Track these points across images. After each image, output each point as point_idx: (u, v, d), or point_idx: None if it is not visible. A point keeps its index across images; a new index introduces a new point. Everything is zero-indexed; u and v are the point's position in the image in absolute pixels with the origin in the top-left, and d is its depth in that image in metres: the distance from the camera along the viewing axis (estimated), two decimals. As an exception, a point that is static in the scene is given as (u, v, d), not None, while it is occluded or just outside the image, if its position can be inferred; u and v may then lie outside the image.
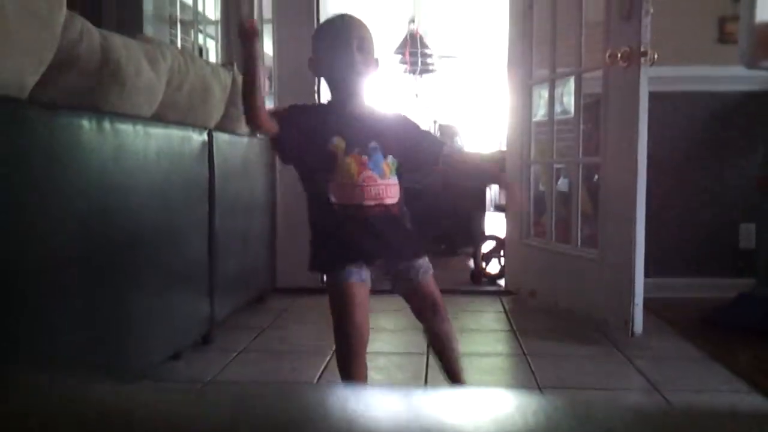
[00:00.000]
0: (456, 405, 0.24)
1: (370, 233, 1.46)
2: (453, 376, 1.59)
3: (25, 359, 1.30)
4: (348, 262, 1.45)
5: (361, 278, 1.47)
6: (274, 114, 1.48)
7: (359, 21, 1.51)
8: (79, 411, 0.25)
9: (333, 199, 1.45)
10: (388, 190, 1.48)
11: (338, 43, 1.46)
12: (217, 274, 2.34)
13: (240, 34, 1.35)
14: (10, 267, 1.26)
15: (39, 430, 0.24)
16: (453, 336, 1.59)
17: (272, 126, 1.44)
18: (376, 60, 1.52)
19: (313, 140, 1.45)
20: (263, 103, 1.41)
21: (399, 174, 1.52)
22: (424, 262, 1.55)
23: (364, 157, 1.45)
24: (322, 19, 3.36)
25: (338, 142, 1.45)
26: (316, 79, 3.34)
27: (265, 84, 1.45)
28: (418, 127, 1.64)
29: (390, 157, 1.50)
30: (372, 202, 1.45)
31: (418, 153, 1.58)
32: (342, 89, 1.52)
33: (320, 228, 1.51)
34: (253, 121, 1.39)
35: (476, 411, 0.23)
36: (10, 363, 1.26)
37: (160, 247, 1.92)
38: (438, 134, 5.76)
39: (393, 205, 1.49)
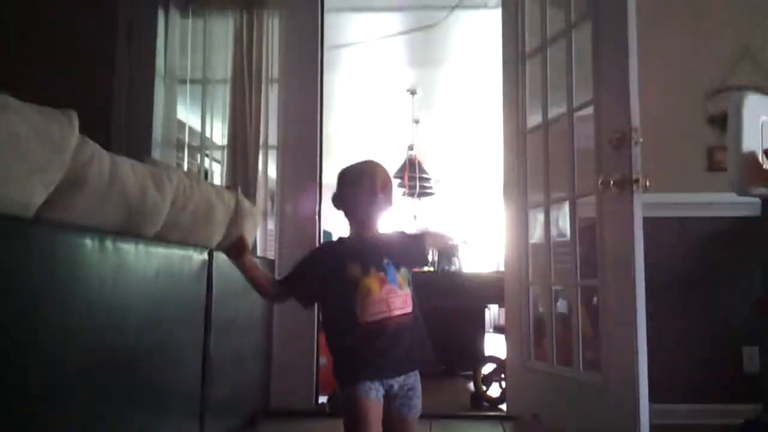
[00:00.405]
0: None
1: (400, 343, 1.58)
2: None
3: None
4: (370, 376, 1.56)
5: (378, 397, 1.56)
6: (288, 278, 1.76)
7: (382, 166, 1.74)
8: None
9: (361, 319, 1.57)
10: (407, 299, 1.63)
11: (366, 185, 1.69)
12: (209, 397, 2.26)
13: (231, 253, 1.71)
14: (5, 389, 1.22)
15: None
16: None
17: (286, 295, 1.75)
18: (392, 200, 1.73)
19: (333, 277, 1.63)
20: (269, 286, 1.79)
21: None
22: (419, 404, 1.64)
23: (382, 273, 1.61)
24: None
25: (355, 269, 1.61)
26: (318, 202, 3.42)
27: (260, 277, 1.82)
28: (404, 233, 1.81)
29: (402, 269, 1.66)
30: (398, 312, 1.60)
31: (411, 255, 1.75)
32: (364, 223, 1.72)
33: (346, 346, 1.62)
34: (269, 301, 1.52)
35: None
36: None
37: (154, 368, 1.87)
38: (436, 256, 5.79)
39: (412, 312, 1.63)
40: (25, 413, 1.30)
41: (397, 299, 1.60)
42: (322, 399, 3.40)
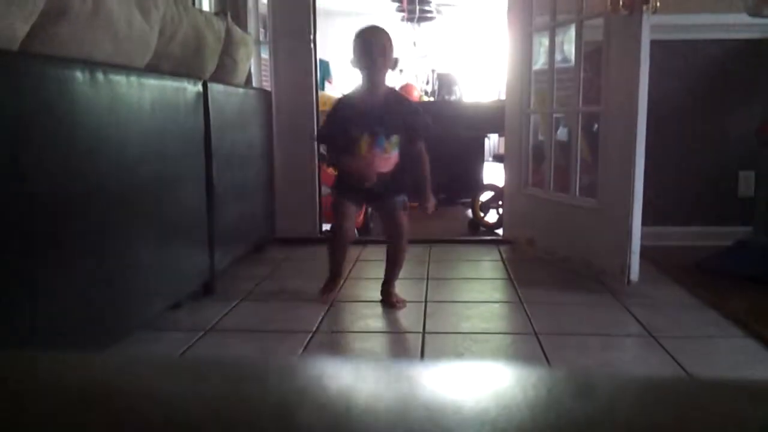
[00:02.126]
0: (455, 379, 0.24)
1: (376, 187, 2.16)
2: (384, 283, 2.29)
3: (23, 313, 1.32)
4: (351, 196, 2.24)
5: (356, 203, 2.32)
6: (319, 136, 2.55)
7: (382, 33, 2.15)
8: (62, 386, 0.26)
9: (351, 165, 2.17)
10: (389, 161, 2.17)
11: (365, 50, 2.11)
12: (216, 225, 2.34)
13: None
14: (4, 222, 1.25)
15: (17, 406, 0.24)
16: (401, 259, 2.29)
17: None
18: (395, 60, 2.17)
19: (341, 132, 2.16)
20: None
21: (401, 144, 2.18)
22: (402, 198, 2.23)
23: (372, 138, 2.12)
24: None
25: (355, 130, 2.12)
26: (312, 27, 3.28)
27: None
28: (410, 107, 2.24)
29: (393, 137, 2.15)
30: (379, 170, 2.14)
31: (407, 131, 2.18)
32: (369, 81, 2.16)
33: (344, 174, 2.25)
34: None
35: (476, 384, 0.24)
36: (7, 319, 1.27)
37: (158, 199, 1.92)
38: (436, 84, 5.68)
39: (389, 171, 2.18)
40: (26, 250, 1.35)
41: (379, 160, 2.13)
42: (326, 227, 3.52)
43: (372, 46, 2.09)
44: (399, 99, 2.24)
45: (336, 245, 2.34)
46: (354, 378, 0.24)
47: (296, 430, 0.22)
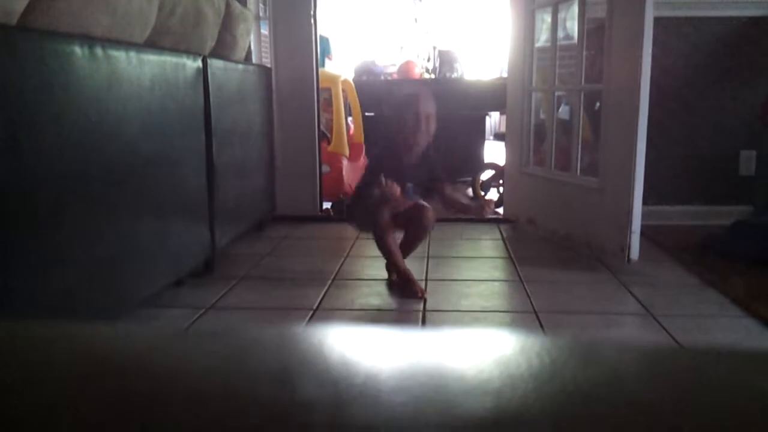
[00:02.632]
0: (458, 347, 0.24)
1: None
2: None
3: (22, 290, 1.32)
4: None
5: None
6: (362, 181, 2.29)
7: (425, 102, 2.17)
8: (62, 358, 0.25)
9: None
10: (415, 203, 2.23)
11: (408, 117, 2.13)
12: (217, 202, 2.34)
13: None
14: (3, 198, 1.25)
15: (24, 376, 0.24)
16: (416, 246, 2.33)
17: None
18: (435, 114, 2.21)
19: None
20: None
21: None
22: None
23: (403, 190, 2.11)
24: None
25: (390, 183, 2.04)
26: (312, 2, 3.25)
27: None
28: (438, 171, 2.29)
29: (419, 196, 2.25)
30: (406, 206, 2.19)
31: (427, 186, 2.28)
32: (404, 149, 2.18)
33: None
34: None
35: (478, 353, 0.23)
36: (8, 293, 1.28)
37: (158, 176, 1.91)
38: (438, 61, 5.64)
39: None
40: (26, 226, 1.34)
41: (407, 203, 2.18)
42: (326, 205, 3.52)
43: (417, 115, 2.12)
44: (431, 167, 2.26)
45: (388, 243, 2.19)
46: (355, 347, 0.24)
47: (297, 400, 0.21)
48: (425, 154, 2.22)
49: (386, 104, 2.23)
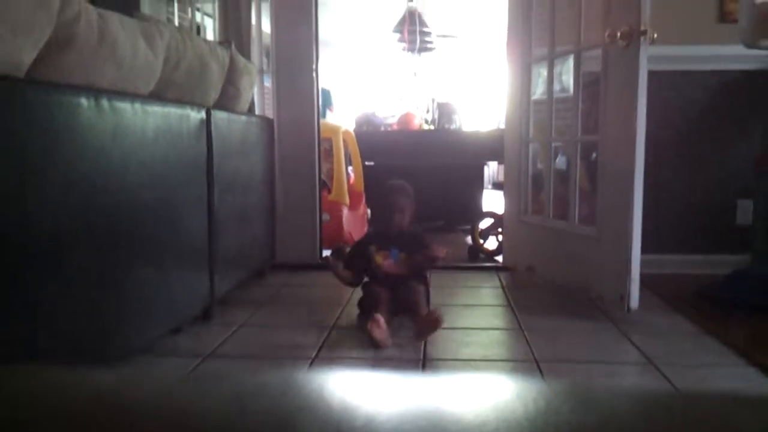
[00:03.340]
0: (456, 391, 0.25)
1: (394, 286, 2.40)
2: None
3: (25, 339, 1.32)
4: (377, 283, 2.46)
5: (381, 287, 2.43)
6: (350, 259, 2.56)
7: (401, 191, 2.53)
8: (70, 402, 0.26)
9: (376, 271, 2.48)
10: (400, 267, 2.45)
11: (387, 207, 2.50)
12: (217, 251, 2.35)
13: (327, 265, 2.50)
14: (9, 246, 1.26)
15: (33, 419, 0.24)
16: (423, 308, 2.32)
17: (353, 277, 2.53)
18: (412, 204, 2.53)
19: (364, 254, 2.49)
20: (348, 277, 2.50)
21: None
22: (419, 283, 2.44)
23: (386, 253, 2.46)
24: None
25: (374, 249, 2.47)
26: (315, 57, 3.32)
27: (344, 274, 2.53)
28: (419, 237, 2.54)
29: (402, 254, 2.46)
30: (393, 272, 2.44)
31: (412, 252, 2.48)
32: (386, 226, 2.52)
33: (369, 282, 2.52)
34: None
35: (476, 397, 0.24)
36: (10, 341, 1.27)
37: (160, 225, 1.92)
38: (437, 113, 5.73)
39: (405, 273, 2.45)
40: (29, 273, 1.35)
41: (391, 266, 2.44)
42: (326, 253, 3.52)
43: (393, 210, 2.49)
44: (413, 235, 2.55)
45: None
46: (355, 391, 0.25)
47: (300, 444, 0.22)
48: (404, 229, 2.53)
49: (375, 192, 2.66)
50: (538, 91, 3.15)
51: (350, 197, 3.88)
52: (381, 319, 2.11)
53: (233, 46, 2.67)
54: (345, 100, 8.84)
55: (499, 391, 0.24)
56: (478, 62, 9.49)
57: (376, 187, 2.68)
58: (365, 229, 4.03)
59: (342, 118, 6.96)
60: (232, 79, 2.59)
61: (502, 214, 3.45)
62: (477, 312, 2.61)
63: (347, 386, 0.26)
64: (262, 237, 3.09)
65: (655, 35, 2.27)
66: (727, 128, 3.20)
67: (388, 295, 2.35)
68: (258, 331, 2.29)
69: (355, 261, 2.53)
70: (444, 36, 7.65)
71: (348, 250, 2.61)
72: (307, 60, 3.32)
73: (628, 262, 2.33)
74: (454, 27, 8.73)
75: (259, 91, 3.42)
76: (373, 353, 2.08)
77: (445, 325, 2.38)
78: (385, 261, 2.47)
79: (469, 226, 3.97)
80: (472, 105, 8.78)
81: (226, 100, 2.58)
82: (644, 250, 2.40)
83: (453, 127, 5.60)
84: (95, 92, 1.56)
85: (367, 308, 2.35)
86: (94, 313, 1.56)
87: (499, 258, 3.52)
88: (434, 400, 0.24)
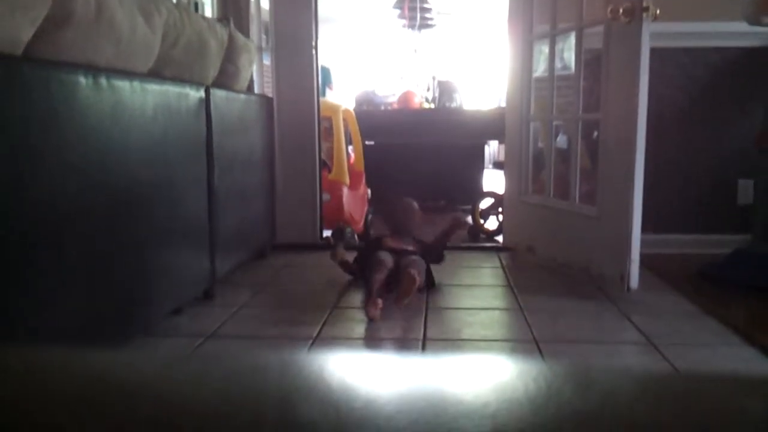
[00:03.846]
0: (456, 372, 0.25)
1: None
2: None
3: (27, 319, 1.32)
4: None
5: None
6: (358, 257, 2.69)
7: (406, 210, 2.77)
8: (70, 382, 0.26)
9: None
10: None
11: (391, 220, 2.80)
12: (218, 231, 2.35)
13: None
14: (7, 227, 1.26)
15: (36, 399, 0.24)
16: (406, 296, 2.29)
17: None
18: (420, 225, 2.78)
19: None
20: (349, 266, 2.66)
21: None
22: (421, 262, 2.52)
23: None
24: None
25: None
26: (314, 34, 3.29)
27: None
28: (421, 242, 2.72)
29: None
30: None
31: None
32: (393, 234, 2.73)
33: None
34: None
35: (476, 378, 0.24)
36: (11, 321, 1.28)
37: (159, 205, 1.92)
38: (437, 91, 5.70)
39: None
40: (28, 254, 1.35)
41: (400, 243, 2.62)
42: (327, 233, 3.53)
43: (397, 221, 2.72)
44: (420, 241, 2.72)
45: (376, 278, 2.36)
46: (355, 372, 0.25)
47: (298, 425, 0.22)
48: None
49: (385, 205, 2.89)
50: (540, 68, 3.13)
51: (350, 177, 3.87)
52: (379, 301, 2.17)
53: (232, 24, 2.64)
54: (345, 79, 8.79)
55: (499, 372, 0.24)
56: (479, 40, 9.42)
57: (385, 202, 2.86)
58: (365, 208, 4.03)
59: (342, 96, 6.93)
60: (231, 56, 2.57)
61: (502, 194, 3.44)
62: (477, 292, 2.61)
63: (347, 367, 0.25)
64: (263, 217, 3.09)
65: (658, 11, 2.24)
66: (728, 106, 3.19)
67: (391, 267, 2.40)
68: (259, 311, 2.30)
69: (361, 259, 2.61)
70: (444, 13, 7.58)
71: (358, 245, 2.70)
72: (307, 37, 3.29)
73: (628, 241, 2.33)
74: (454, 4, 8.65)
75: (259, 69, 3.40)
76: (374, 334, 2.09)
77: (445, 305, 2.39)
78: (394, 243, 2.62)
79: (469, 206, 3.97)
80: (473, 83, 8.73)
81: (225, 78, 2.56)
82: (645, 229, 2.40)
83: (454, 105, 5.58)
84: (93, 70, 1.54)
85: (365, 276, 2.44)
86: (93, 294, 1.56)
87: (500, 238, 3.52)
88: (434, 382, 0.24)
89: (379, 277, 2.33)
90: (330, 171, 3.75)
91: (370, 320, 2.13)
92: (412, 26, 6.99)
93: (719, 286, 2.52)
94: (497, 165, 4.52)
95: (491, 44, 8.90)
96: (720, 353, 1.90)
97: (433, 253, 2.68)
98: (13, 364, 0.28)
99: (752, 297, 2.39)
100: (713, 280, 2.60)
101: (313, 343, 1.96)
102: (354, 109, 4.59)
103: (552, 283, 2.67)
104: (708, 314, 2.22)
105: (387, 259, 2.44)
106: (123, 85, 1.67)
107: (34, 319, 1.34)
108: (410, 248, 2.62)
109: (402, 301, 2.22)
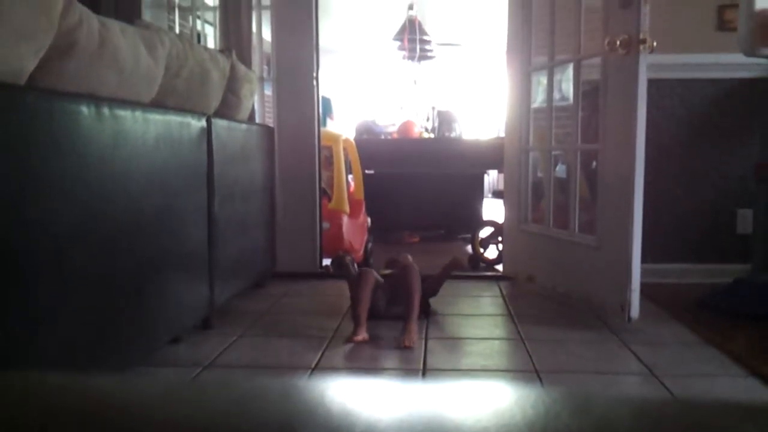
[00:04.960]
0: (456, 398, 0.25)
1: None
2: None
3: (25, 347, 1.31)
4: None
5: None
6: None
7: (412, 270, 2.58)
8: (74, 406, 0.26)
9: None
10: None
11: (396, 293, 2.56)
12: (217, 259, 2.35)
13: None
14: (9, 254, 1.26)
15: (35, 426, 0.24)
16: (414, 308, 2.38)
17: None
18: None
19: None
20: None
21: None
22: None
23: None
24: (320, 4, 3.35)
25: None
26: (315, 65, 3.33)
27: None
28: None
29: None
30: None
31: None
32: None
33: None
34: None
35: (476, 404, 0.24)
36: (10, 348, 1.27)
37: (160, 234, 1.92)
38: (437, 121, 5.75)
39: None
40: (29, 281, 1.35)
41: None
42: (326, 262, 3.52)
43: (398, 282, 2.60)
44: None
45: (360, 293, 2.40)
46: (356, 397, 0.25)
47: (299, 451, 0.22)
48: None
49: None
50: (538, 99, 3.16)
51: (350, 205, 3.88)
52: (366, 337, 2.23)
53: (234, 54, 2.68)
54: (345, 108, 8.87)
55: (498, 397, 0.24)
56: (478, 70, 9.52)
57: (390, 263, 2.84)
58: (365, 237, 4.03)
59: (342, 126, 6.98)
60: (232, 87, 2.60)
61: (502, 223, 3.45)
62: (477, 322, 2.60)
63: (347, 392, 0.26)
64: (263, 245, 3.09)
65: (655, 43, 2.27)
66: (726, 136, 3.21)
67: (378, 281, 2.50)
68: (258, 341, 2.29)
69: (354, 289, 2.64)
70: (444, 44, 7.68)
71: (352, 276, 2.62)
72: (308, 68, 3.33)
73: (628, 271, 2.33)
74: (454, 35, 8.77)
75: (260, 99, 3.43)
76: (373, 364, 2.08)
77: (445, 334, 2.37)
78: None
79: (469, 235, 3.97)
80: (472, 113, 8.81)
81: (227, 108, 2.59)
82: (644, 259, 2.40)
83: (453, 135, 5.61)
84: (96, 100, 1.56)
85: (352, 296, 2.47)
86: (93, 322, 1.56)
87: (500, 267, 3.52)
88: (434, 407, 0.24)
89: (365, 295, 2.37)
90: (330, 200, 3.77)
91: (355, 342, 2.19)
92: (411, 57, 7.07)
93: (719, 316, 2.51)
94: (497, 194, 4.54)
95: (490, 75, 9.00)
96: (721, 383, 1.88)
97: (429, 289, 2.64)
98: (15, 387, 0.28)
99: (753, 326, 2.38)
100: (713, 309, 2.59)
101: (311, 373, 1.95)
102: (354, 139, 4.62)
103: (552, 312, 2.66)
104: (708, 344, 2.21)
105: (371, 273, 2.49)
106: (125, 114, 1.69)
107: (32, 347, 1.33)
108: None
109: (412, 329, 2.24)
